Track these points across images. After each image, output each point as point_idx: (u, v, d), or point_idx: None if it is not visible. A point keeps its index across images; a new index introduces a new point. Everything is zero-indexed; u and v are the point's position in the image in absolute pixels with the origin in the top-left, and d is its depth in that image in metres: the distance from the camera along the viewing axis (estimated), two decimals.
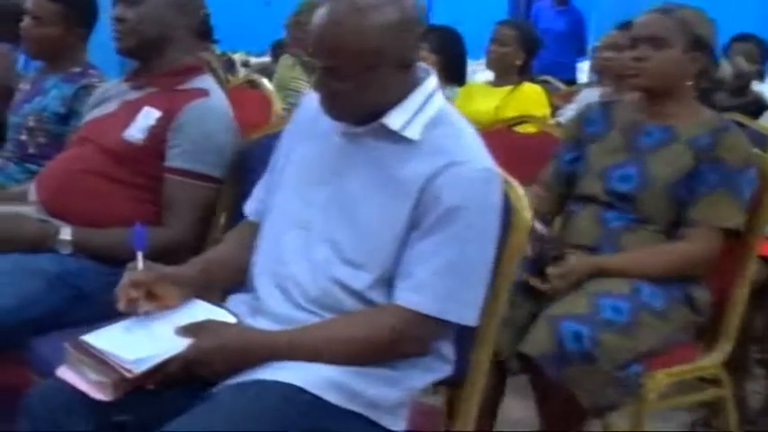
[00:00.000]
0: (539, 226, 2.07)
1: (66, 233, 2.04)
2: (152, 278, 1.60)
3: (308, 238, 1.62)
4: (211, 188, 2.13)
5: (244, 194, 2.19)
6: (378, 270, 1.56)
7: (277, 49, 7.79)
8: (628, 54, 2.26)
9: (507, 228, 1.66)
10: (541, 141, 2.75)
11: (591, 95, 3.77)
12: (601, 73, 5.25)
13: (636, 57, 2.20)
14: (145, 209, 2.12)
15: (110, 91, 2.32)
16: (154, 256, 2.06)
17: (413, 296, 1.53)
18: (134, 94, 2.22)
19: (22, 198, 2.38)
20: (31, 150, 2.67)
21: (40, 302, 1.92)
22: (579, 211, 2.26)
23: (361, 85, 1.53)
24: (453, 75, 4.08)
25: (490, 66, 4.07)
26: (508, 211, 1.66)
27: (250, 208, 1.82)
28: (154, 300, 1.59)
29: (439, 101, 1.62)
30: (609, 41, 3.55)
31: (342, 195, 1.61)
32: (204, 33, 3.91)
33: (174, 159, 2.11)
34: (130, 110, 2.18)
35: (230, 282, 1.76)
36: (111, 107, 2.25)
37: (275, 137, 2.25)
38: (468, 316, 1.56)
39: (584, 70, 6.75)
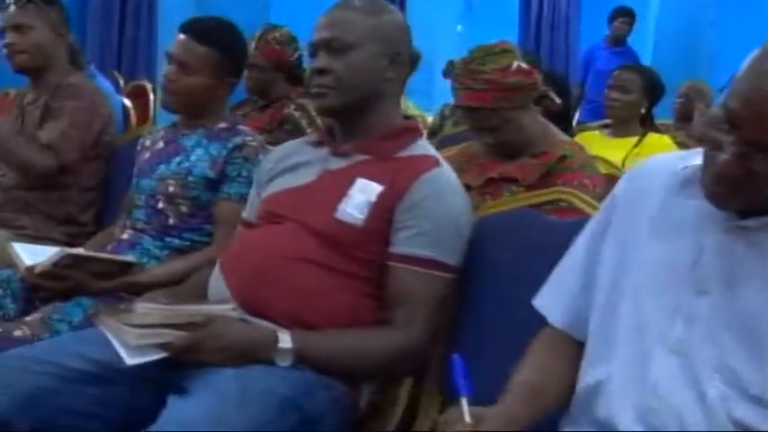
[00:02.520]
0: None
1: (285, 340, 1.62)
2: None
3: (689, 365, 1.25)
4: (449, 279, 1.74)
5: (468, 286, 1.82)
6: None
7: None
8: None
9: None
10: None
11: None
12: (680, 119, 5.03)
13: None
14: (365, 304, 1.73)
15: (297, 156, 1.90)
16: (384, 369, 1.72)
17: None
18: (337, 163, 1.83)
19: (180, 284, 2.00)
20: (171, 221, 2.25)
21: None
22: None
23: None
24: (560, 121, 3.76)
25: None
26: None
27: (554, 314, 1.46)
28: None
29: None
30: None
31: (733, 310, 1.24)
32: (299, 77, 3.56)
33: (406, 244, 1.72)
34: (338, 182, 1.78)
35: (554, 409, 1.40)
36: (306, 177, 1.84)
37: (505, 214, 1.91)
38: None
39: None
